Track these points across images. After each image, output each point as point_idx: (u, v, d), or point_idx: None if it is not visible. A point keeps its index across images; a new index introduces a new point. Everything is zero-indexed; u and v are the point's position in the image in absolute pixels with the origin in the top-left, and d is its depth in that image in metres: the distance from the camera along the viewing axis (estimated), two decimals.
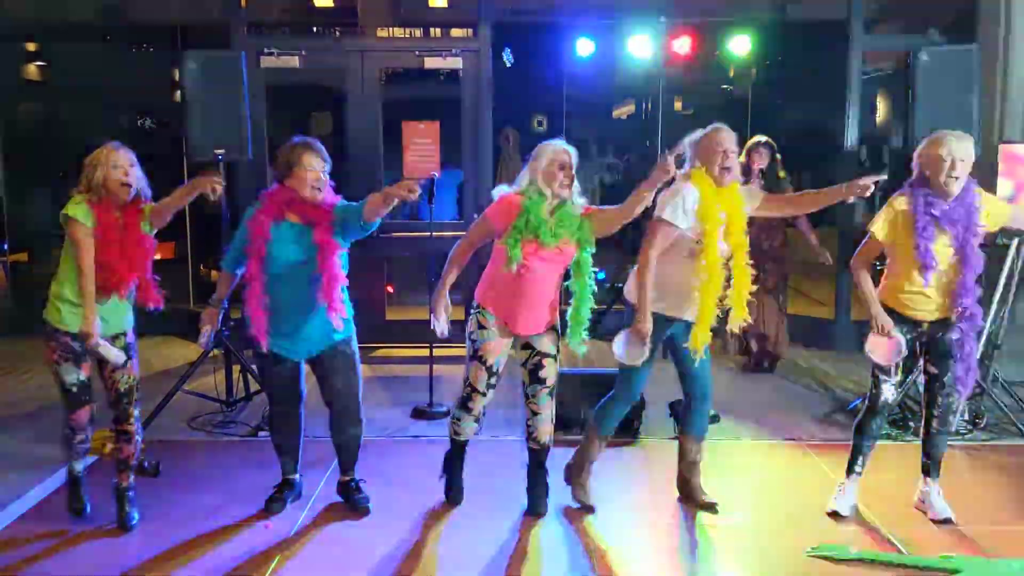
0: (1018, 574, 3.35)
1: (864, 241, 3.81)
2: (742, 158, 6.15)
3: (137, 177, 3.66)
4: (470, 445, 4.04)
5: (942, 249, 3.63)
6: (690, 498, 4.00)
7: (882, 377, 3.81)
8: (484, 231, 3.78)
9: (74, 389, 3.70)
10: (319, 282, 3.66)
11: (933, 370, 3.82)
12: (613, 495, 4.09)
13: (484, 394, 3.86)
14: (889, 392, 3.83)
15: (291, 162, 3.66)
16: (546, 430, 3.89)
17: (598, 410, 4.00)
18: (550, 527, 3.83)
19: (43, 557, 3.54)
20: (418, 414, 5.35)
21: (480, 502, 4.04)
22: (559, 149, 3.70)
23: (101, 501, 3.93)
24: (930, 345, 3.80)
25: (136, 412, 3.80)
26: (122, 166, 3.60)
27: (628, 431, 4.85)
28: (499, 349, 3.81)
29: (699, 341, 3.71)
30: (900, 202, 3.69)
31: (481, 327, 3.79)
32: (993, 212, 3.70)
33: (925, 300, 3.71)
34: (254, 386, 5.44)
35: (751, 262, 3.77)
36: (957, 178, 3.59)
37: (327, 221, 3.67)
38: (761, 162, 5.97)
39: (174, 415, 5.23)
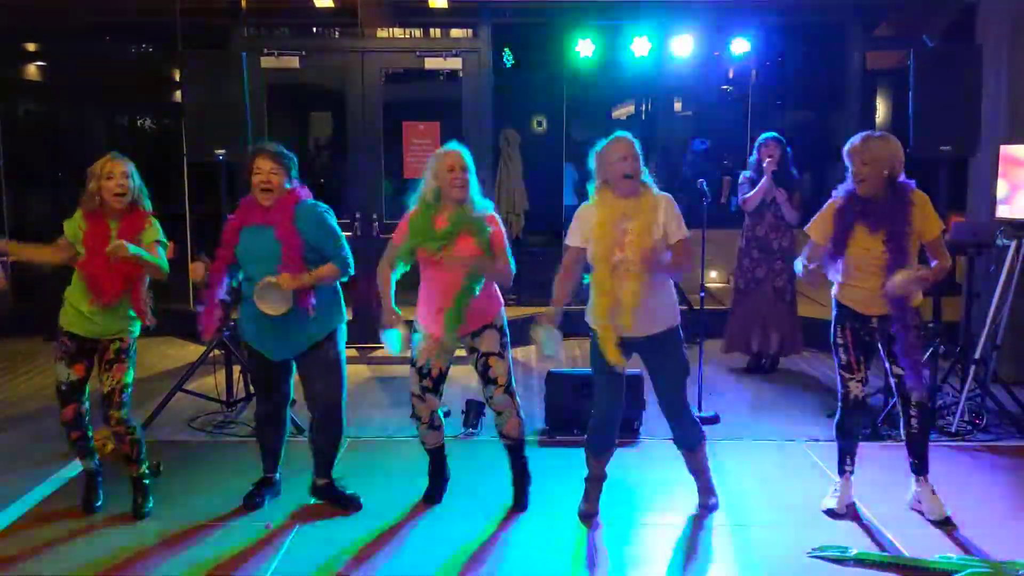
0: (1018, 574, 3.35)
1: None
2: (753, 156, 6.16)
3: (131, 188, 3.76)
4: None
5: (868, 245, 3.69)
6: (698, 502, 4.01)
7: (846, 376, 3.88)
8: (391, 251, 3.84)
9: (63, 387, 3.86)
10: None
11: (899, 371, 3.84)
12: (612, 495, 4.08)
13: (421, 398, 3.87)
14: (856, 388, 3.87)
15: (249, 170, 3.75)
16: (514, 424, 3.91)
17: (587, 436, 3.90)
18: (550, 527, 3.83)
19: (42, 556, 3.54)
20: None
21: (480, 502, 4.04)
22: (448, 152, 3.75)
23: (107, 499, 3.97)
24: (888, 345, 3.82)
25: (120, 414, 3.84)
26: (115, 176, 3.72)
27: (628, 431, 4.85)
28: (429, 352, 3.80)
29: (608, 352, 3.62)
30: (832, 203, 3.82)
31: (413, 332, 3.88)
32: (924, 218, 3.69)
33: (855, 292, 3.78)
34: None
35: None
36: (862, 181, 3.68)
37: (287, 220, 3.69)
38: (772, 158, 5.95)
39: (174, 415, 5.23)
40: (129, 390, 3.87)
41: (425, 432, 3.96)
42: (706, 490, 3.99)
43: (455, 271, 3.70)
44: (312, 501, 4.05)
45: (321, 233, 3.75)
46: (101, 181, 3.71)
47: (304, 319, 3.73)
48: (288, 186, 3.75)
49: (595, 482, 3.95)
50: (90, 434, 3.97)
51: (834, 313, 3.92)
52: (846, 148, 3.76)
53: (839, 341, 3.89)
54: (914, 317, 3.75)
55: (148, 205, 3.86)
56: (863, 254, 3.72)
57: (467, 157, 3.75)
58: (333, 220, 3.83)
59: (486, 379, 3.84)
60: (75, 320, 3.79)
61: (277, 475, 4.11)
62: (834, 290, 3.92)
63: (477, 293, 3.73)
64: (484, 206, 3.79)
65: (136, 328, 3.89)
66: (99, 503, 3.96)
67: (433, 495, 4.06)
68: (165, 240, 3.87)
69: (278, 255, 3.66)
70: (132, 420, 3.90)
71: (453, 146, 3.78)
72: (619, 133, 3.67)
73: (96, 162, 3.76)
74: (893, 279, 3.61)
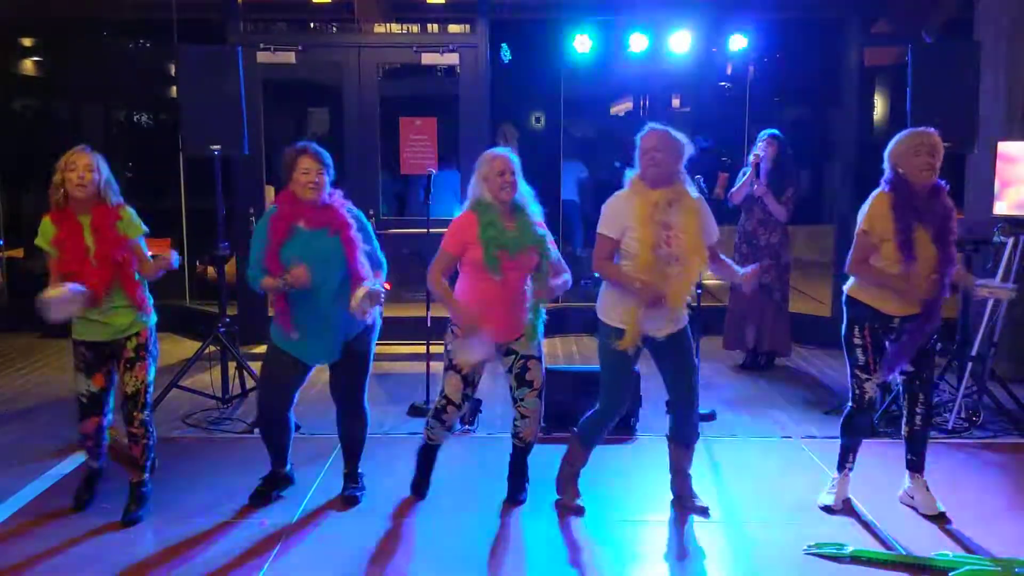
0: (1016, 573, 3.34)
1: (855, 242, 3.79)
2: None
3: (95, 181, 3.63)
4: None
5: (922, 242, 3.64)
6: (683, 504, 3.94)
7: (863, 376, 3.82)
8: (446, 261, 3.79)
9: (83, 399, 3.77)
10: (337, 285, 3.69)
11: (911, 368, 3.84)
12: (609, 493, 4.08)
13: (459, 406, 3.88)
14: (872, 390, 3.84)
15: (290, 167, 3.73)
16: (532, 431, 3.93)
17: (583, 423, 3.92)
18: (544, 525, 3.82)
19: (38, 553, 3.53)
20: (415, 411, 5.33)
21: (477, 499, 4.04)
22: (497, 156, 3.77)
23: (99, 499, 3.96)
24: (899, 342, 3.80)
25: (143, 415, 3.77)
26: (77, 168, 3.61)
27: (625, 429, 4.85)
28: (476, 360, 3.77)
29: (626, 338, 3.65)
30: (881, 198, 3.72)
31: (456, 338, 3.80)
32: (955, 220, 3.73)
33: (889, 293, 3.71)
34: (250, 383, 5.44)
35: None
36: (932, 173, 3.63)
37: (347, 225, 3.72)
38: (763, 154, 5.93)
39: (169, 412, 5.21)
40: (151, 388, 3.80)
41: (441, 432, 3.97)
42: (690, 494, 3.93)
43: (512, 279, 3.72)
44: (310, 497, 4.05)
45: (369, 240, 3.82)
46: (65, 173, 3.60)
47: (350, 322, 3.75)
48: (329, 188, 3.76)
49: (577, 474, 3.96)
50: (105, 441, 3.88)
51: (850, 312, 3.83)
52: (904, 144, 3.68)
53: (857, 342, 3.81)
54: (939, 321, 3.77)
55: (116, 199, 3.70)
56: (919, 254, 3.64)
57: (515, 160, 3.78)
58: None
59: (521, 381, 3.84)
60: (85, 328, 3.68)
61: (287, 467, 4.11)
62: (850, 288, 3.85)
63: (543, 313, 3.85)
64: (536, 211, 3.83)
65: (151, 318, 3.80)
66: (89, 503, 3.92)
67: (422, 489, 4.06)
68: (145, 228, 3.75)
69: (342, 259, 3.68)
70: (151, 424, 3.83)
71: (501, 150, 3.83)
72: (654, 125, 3.70)
73: (63, 155, 3.66)
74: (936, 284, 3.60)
